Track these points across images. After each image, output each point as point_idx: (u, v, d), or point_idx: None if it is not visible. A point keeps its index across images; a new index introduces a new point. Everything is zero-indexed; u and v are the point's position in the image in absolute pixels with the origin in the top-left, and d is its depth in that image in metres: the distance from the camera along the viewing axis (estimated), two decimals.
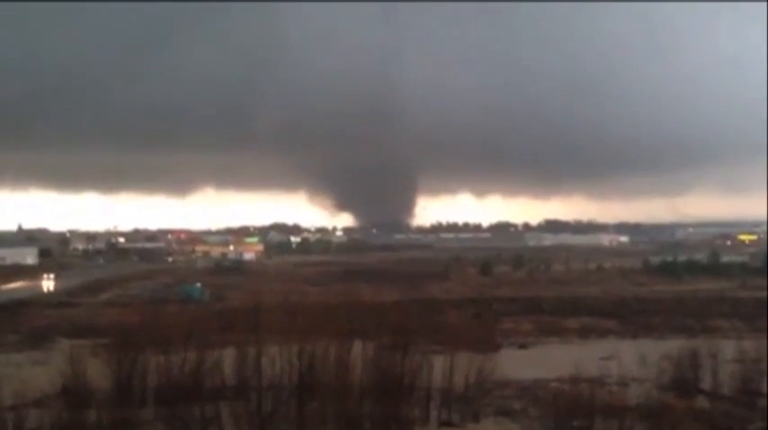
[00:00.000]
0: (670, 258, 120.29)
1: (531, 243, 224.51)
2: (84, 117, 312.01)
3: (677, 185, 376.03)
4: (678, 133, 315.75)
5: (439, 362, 31.15)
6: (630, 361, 37.30)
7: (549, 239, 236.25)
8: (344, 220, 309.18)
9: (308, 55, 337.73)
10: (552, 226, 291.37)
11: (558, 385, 33.72)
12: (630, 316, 62.65)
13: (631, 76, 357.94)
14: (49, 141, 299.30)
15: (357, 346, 29.77)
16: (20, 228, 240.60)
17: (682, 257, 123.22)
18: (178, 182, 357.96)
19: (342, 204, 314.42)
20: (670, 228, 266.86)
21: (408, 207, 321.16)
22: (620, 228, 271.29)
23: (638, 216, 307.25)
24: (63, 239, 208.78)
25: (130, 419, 27.80)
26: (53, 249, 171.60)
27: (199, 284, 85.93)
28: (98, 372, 30.73)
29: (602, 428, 25.31)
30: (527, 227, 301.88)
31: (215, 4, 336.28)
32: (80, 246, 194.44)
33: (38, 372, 35.89)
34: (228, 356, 30.30)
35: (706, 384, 34.00)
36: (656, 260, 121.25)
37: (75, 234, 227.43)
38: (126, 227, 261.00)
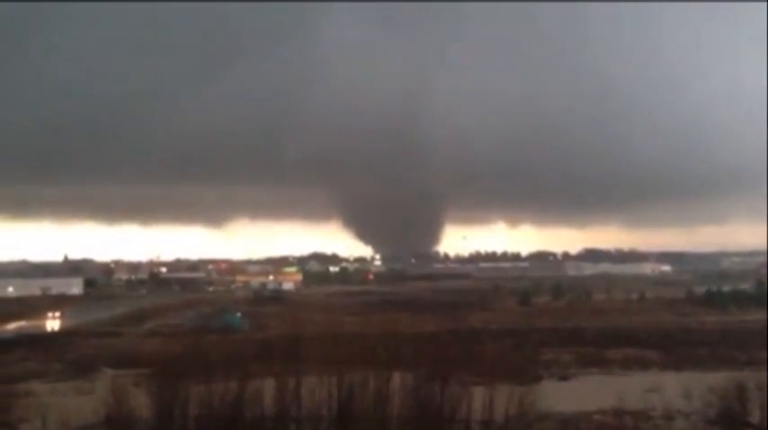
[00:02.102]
0: (715, 288, 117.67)
1: (571, 272, 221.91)
2: (123, 151, 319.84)
3: (720, 213, 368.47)
4: (718, 160, 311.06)
5: (478, 394, 30.85)
6: (675, 393, 36.48)
7: (589, 268, 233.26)
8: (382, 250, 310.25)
9: (339, 91, 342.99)
10: (592, 255, 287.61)
11: (600, 418, 33.18)
12: (674, 347, 61.25)
13: (660, 103, 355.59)
14: (91, 174, 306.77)
15: (396, 377, 29.71)
16: (65, 259, 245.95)
17: (727, 287, 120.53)
18: (216, 213, 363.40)
19: (363, 236, 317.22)
20: (714, 257, 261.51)
21: (433, 238, 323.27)
22: (663, 257, 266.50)
23: (681, 245, 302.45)
24: (107, 269, 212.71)
25: None
26: (97, 279, 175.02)
27: (239, 314, 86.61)
28: (140, 402, 31.13)
29: None
30: (566, 256, 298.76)
31: (249, 43, 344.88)
32: (123, 277, 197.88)
33: (82, 402, 36.43)
34: (268, 386, 30.44)
35: (754, 418, 33.05)
36: (700, 290, 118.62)
37: (118, 264, 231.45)
38: (168, 257, 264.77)
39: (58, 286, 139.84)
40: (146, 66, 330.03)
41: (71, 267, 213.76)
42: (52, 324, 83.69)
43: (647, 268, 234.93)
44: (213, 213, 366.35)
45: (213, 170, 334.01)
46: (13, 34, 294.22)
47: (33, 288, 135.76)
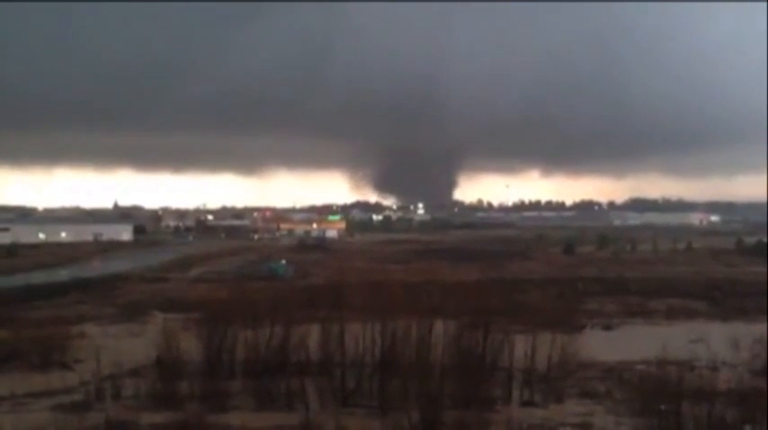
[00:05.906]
0: (765, 238, 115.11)
1: (617, 222, 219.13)
2: (166, 104, 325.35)
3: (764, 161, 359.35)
4: (760, 105, 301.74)
5: (521, 342, 30.95)
6: (721, 344, 36.00)
7: (634, 218, 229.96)
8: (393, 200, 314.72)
9: (371, 46, 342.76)
10: (638, 204, 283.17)
11: (644, 367, 33.03)
12: (721, 298, 60.49)
13: (690, 53, 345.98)
14: (138, 124, 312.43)
15: (439, 325, 29.90)
16: (116, 206, 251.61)
17: None
18: (255, 162, 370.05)
19: (386, 184, 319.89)
20: (764, 206, 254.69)
21: (448, 187, 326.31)
22: (711, 206, 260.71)
23: (730, 194, 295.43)
24: (155, 216, 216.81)
25: (220, 391, 28.87)
26: (146, 226, 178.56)
27: (283, 261, 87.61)
28: (189, 345, 32.02)
29: (691, 412, 24.47)
30: (612, 205, 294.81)
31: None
32: (171, 223, 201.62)
33: (133, 344, 37.71)
34: (313, 332, 30.96)
35: None
36: (749, 240, 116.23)
37: (166, 211, 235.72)
38: (214, 205, 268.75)
39: (108, 232, 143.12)
40: (184, 25, 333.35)
41: (121, 214, 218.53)
42: (104, 269, 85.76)
43: (695, 218, 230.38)
44: (253, 162, 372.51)
45: (251, 121, 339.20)
46: None
47: (85, 234, 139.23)
